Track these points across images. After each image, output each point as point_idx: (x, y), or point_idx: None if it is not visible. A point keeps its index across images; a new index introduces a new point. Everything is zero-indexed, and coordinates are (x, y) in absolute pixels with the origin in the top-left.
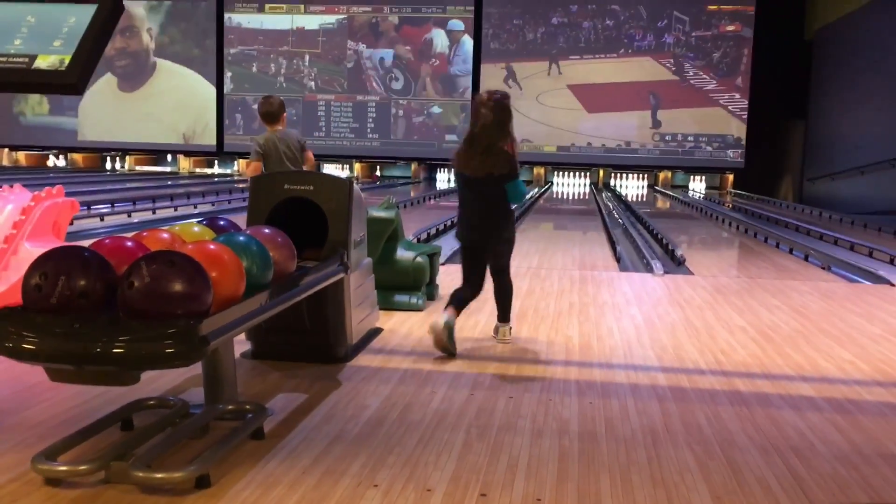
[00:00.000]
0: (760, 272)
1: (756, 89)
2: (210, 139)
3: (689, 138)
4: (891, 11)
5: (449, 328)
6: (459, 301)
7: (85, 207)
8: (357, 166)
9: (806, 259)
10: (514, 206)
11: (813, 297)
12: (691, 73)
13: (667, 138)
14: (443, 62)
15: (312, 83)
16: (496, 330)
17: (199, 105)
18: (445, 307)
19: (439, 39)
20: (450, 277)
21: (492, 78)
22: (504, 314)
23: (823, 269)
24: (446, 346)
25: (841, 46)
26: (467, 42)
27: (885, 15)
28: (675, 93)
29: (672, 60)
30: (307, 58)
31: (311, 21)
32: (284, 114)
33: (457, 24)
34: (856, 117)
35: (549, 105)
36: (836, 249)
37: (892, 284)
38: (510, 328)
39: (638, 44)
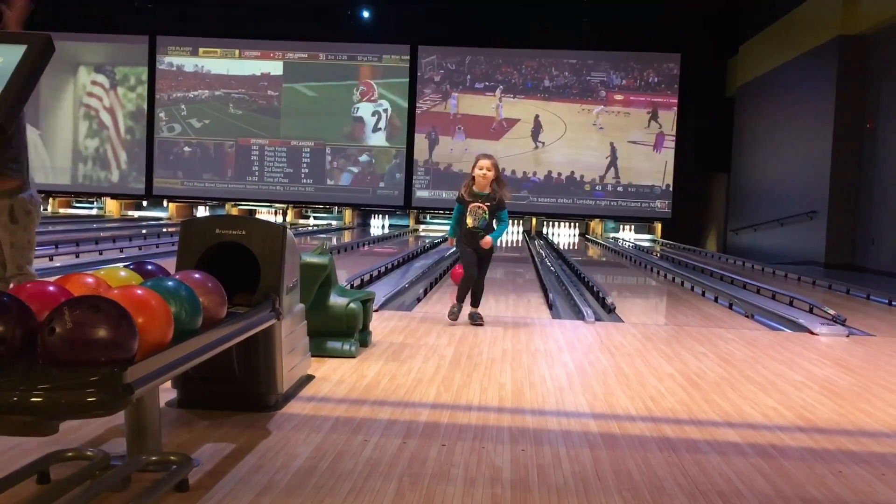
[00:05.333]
0: (688, 320)
1: (681, 143)
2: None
3: (619, 188)
4: (807, 69)
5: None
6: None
7: None
8: (290, 211)
9: (730, 307)
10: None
11: (738, 344)
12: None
13: (597, 188)
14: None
15: (246, 127)
16: (471, 315)
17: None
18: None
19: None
20: (383, 324)
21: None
22: (477, 302)
23: (747, 317)
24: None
25: (760, 103)
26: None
27: (802, 73)
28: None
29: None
30: (240, 102)
31: (244, 66)
32: None
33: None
34: (775, 171)
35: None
36: (759, 298)
37: (812, 333)
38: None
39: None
